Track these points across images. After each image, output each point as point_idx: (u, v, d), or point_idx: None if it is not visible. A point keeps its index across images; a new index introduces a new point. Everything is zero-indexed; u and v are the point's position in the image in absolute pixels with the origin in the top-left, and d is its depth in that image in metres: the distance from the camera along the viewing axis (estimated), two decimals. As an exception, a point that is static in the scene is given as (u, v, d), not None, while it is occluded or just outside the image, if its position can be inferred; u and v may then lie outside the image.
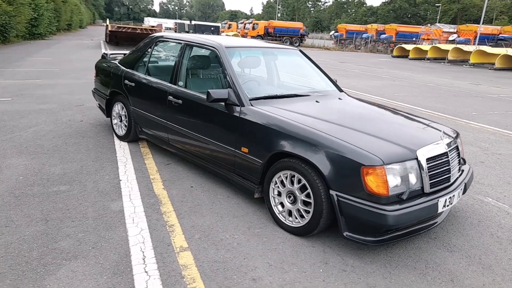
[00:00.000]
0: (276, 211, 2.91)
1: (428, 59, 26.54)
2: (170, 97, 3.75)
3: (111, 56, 5.27)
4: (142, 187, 3.47)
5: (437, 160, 2.66)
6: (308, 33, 47.88)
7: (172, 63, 4.07)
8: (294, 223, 2.79)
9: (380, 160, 2.37)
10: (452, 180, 2.78)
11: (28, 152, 4.21)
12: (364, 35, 38.55)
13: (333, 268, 2.45)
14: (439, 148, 2.71)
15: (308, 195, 2.66)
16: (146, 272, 2.29)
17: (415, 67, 21.92)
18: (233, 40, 3.85)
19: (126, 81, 4.39)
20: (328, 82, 4.02)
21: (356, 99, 3.79)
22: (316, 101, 3.39)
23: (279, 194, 2.90)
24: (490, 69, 22.61)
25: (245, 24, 42.13)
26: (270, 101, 3.24)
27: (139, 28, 20.12)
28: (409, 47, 27.96)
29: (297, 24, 41.69)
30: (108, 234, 2.68)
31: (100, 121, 5.63)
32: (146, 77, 4.17)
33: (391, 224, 2.34)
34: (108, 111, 4.97)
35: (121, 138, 4.72)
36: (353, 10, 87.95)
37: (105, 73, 4.92)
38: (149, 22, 77.59)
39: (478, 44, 27.05)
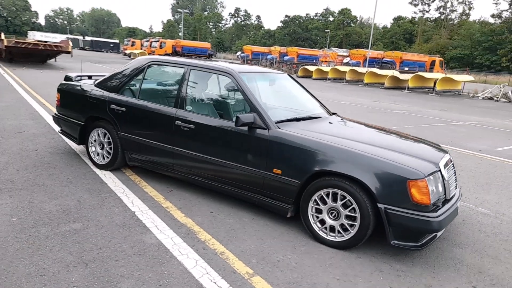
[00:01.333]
0: (316, 228, 3.08)
1: (329, 79, 29.24)
2: (178, 122, 3.67)
3: (77, 78, 4.86)
4: (162, 217, 3.31)
5: (450, 170, 3.15)
6: (216, 53, 48.82)
7: (171, 87, 3.98)
8: (337, 237, 3.00)
9: (422, 174, 2.74)
10: (457, 187, 3.31)
11: (-2, 189, 3.65)
12: (269, 57, 40.86)
13: (389, 274, 2.72)
14: (448, 160, 3.21)
15: (352, 210, 2.90)
16: (233, 302, 2.26)
17: (321, 86, 23.96)
18: (238, 66, 3.94)
19: (113, 106, 4.12)
20: (319, 105, 4.34)
21: (353, 120, 4.17)
22: (329, 122, 3.69)
23: (317, 211, 3.08)
24: (381, 88, 25.86)
25: (151, 42, 41.21)
26: (291, 123, 3.42)
27: (42, 44, 18.24)
28: (312, 68, 30.50)
29: (205, 44, 42.35)
30: (165, 269, 2.54)
31: (61, 149, 5.09)
32: (142, 102, 3.99)
33: (436, 229, 2.71)
34: (81, 139, 4.56)
35: (102, 166, 4.36)
36: (252, 33, 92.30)
37: (77, 97, 4.52)
38: (35, 36, 70.43)
39: (368, 66, 30.90)
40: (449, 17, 67.10)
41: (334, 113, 4.25)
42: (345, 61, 34.52)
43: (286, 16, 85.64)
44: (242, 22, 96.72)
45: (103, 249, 2.74)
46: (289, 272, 2.64)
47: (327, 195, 3.00)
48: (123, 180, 4.13)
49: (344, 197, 2.92)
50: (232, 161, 3.41)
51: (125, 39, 52.93)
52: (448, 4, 66.05)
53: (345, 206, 2.94)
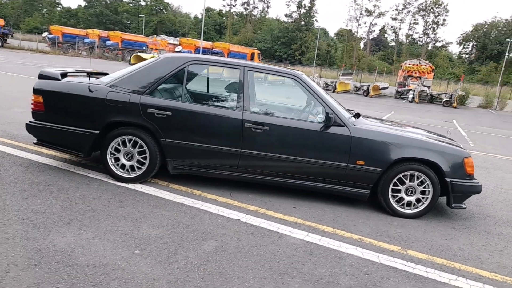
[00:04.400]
0: (395, 205, 3.77)
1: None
2: (248, 124, 3.64)
3: (70, 74, 3.91)
4: (271, 219, 3.34)
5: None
6: (13, 32, 40.41)
7: (226, 89, 3.82)
8: (412, 209, 3.77)
9: (469, 153, 3.79)
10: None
11: (45, 226, 2.84)
12: (86, 40, 36.64)
13: (460, 228, 3.68)
14: (452, 142, 4.41)
15: (425, 187, 3.72)
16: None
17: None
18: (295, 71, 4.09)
19: (152, 110, 3.63)
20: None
21: (371, 116, 4.91)
22: (366, 118, 4.35)
23: (393, 191, 3.76)
24: (221, 79, 27.44)
25: None
26: (356, 120, 3.93)
27: None
28: (147, 55, 29.38)
29: (-2, 21, 34.37)
30: (352, 261, 2.79)
31: (32, 166, 3.99)
32: (195, 106, 3.68)
33: (480, 191, 3.83)
34: (90, 150, 3.78)
35: (129, 180, 3.76)
36: (46, 10, 79.90)
37: (83, 100, 3.69)
38: None
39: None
40: (252, 13, 75.17)
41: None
42: (177, 49, 34.48)
43: (90, -5, 77.70)
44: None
45: (274, 258, 2.71)
46: (416, 241, 3.27)
47: (405, 177, 3.72)
48: (173, 191, 3.74)
49: (419, 177, 3.71)
50: (313, 157, 3.69)
51: None
52: (251, 1, 73.82)
53: (418, 184, 3.73)
